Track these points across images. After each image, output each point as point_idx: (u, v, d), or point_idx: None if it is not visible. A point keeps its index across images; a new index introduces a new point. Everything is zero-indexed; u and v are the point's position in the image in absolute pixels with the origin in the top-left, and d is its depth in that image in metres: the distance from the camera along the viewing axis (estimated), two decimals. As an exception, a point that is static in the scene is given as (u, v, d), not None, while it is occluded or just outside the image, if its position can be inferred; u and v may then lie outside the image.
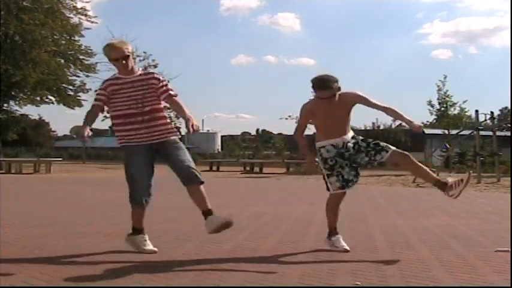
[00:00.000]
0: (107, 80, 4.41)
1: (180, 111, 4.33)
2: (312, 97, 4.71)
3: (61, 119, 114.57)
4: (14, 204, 7.97)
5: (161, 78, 4.42)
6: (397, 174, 18.67)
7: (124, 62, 4.27)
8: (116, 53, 4.27)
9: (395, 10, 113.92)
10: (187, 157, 4.30)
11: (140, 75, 4.36)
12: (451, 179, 4.34)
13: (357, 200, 9.54)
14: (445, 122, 25.78)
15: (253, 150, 42.39)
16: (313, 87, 4.36)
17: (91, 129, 4.28)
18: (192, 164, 4.28)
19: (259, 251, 4.40)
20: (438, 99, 25.83)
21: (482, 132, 16.82)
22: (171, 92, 4.30)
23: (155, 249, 4.29)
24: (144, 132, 4.27)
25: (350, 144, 4.39)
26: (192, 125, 4.08)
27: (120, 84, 4.30)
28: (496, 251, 4.39)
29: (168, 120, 4.43)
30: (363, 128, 33.77)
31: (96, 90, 4.40)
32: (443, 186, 4.26)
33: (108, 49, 4.32)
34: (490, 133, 17.19)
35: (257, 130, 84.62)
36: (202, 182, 4.27)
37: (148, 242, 4.35)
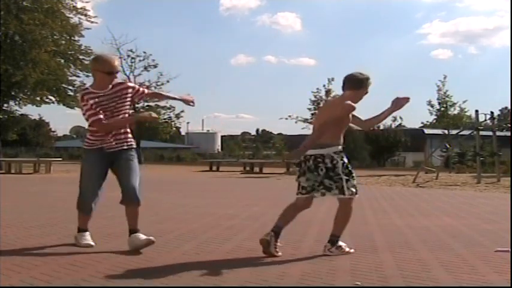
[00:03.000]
0: (85, 94, 4.52)
1: (166, 97, 5.03)
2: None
3: (61, 119, 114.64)
4: (14, 204, 7.97)
5: (132, 84, 4.82)
6: (397, 175, 18.67)
7: (114, 76, 4.53)
8: (115, 68, 4.51)
9: (395, 10, 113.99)
10: (134, 176, 4.52)
11: (112, 87, 4.52)
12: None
13: (357, 200, 9.54)
14: (445, 122, 25.79)
15: (253, 150, 42.40)
16: (368, 83, 4.39)
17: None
18: (137, 185, 4.49)
19: (259, 251, 4.38)
20: (438, 99, 25.84)
21: (482, 132, 16.81)
22: (145, 90, 4.83)
23: (91, 243, 4.51)
24: (108, 140, 4.51)
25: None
26: (192, 101, 4.79)
27: (98, 97, 4.47)
28: (496, 251, 4.39)
29: (129, 131, 4.66)
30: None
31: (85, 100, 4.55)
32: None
33: (109, 61, 4.52)
34: (490, 133, 17.18)
35: (257, 130, 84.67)
36: (139, 204, 4.50)
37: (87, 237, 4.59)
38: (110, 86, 4.51)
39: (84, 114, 4.49)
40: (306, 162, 4.31)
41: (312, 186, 4.29)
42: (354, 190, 4.30)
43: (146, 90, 4.89)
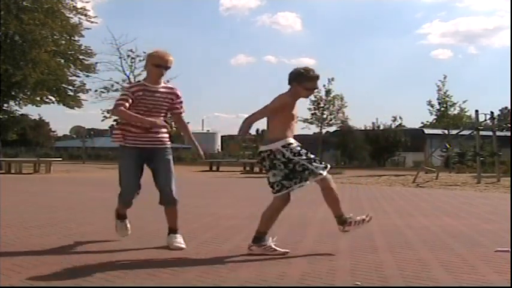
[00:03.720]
0: (134, 85, 4.64)
1: (186, 133, 4.87)
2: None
3: (61, 119, 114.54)
4: (14, 204, 7.97)
5: (180, 94, 4.67)
6: (397, 175, 18.68)
7: (164, 71, 4.53)
8: (163, 61, 4.49)
9: (395, 10, 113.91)
10: (171, 177, 4.54)
11: (163, 87, 4.58)
12: (356, 217, 4.39)
13: (357, 200, 9.54)
14: (445, 122, 25.82)
15: (253, 150, 42.37)
16: (307, 78, 4.32)
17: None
18: (174, 186, 4.54)
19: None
20: (438, 99, 25.88)
21: (482, 132, 16.83)
22: (180, 113, 4.71)
23: (129, 232, 4.75)
24: (143, 137, 4.49)
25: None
26: (201, 154, 4.79)
27: (143, 90, 4.50)
28: (496, 251, 4.39)
29: (166, 131, 4.61)
30: (363, 128, 33.75)
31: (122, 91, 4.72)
32: (340, 221, 4.34)
33: (159, 54, 4.53)
34: (490, 133, 17.19)
35: (257, 130, 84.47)
36: (177, 204, 4.60)
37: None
38: (162, 86, 4.55)
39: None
40: (264, 160, 4.31)
41: (280, 181, 4.28)
42: (323, 166, 4.24)
43: (181, 113, 4.72)
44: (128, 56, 31.64)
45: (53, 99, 25.40)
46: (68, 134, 69.54)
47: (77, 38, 25.05)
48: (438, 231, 5.57)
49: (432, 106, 26.22)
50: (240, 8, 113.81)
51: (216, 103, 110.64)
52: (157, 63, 4.48)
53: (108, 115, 34.13)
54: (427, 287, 3.28)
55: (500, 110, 56.48)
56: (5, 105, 25.20)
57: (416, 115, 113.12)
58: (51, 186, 12.97)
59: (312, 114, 28.71)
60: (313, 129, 30.53)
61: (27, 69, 22.52)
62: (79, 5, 24.56)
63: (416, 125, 47.86)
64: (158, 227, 5.43)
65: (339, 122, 31.22)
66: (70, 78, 25.44)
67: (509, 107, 50.62)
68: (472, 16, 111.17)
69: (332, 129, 32.60)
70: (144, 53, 30.85)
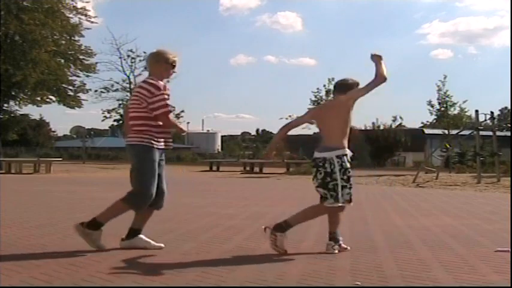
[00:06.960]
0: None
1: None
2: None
3: (61, 119, 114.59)
4: (14, 204, 7.97)
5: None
6: (397, 174, 18.66)
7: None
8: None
9: (395, 10, 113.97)
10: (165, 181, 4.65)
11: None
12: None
13: (357, 200, 9.54)
14: (445, 122, 25.83)
15: (253, 150, 42.40)
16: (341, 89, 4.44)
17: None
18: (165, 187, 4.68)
19: (259, 251, 4.40)
20: (438, 99, 25.89)
21: (482, 132, 16.81)
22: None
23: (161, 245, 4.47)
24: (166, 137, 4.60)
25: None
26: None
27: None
28: (496, 251, 4.39)
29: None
30: (363, 128, 33.74)
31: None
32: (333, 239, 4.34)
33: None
34: (490, 133, 17.18)
35: (257, 130, 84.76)
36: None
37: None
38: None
39: (153, 103, 4.31)
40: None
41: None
42: (348, 198, 4.33)
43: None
44: (128, 56, 31.74)
45: (53, 99, 25.43)
46: (68, 134, 69.59)
47: (77, 38, 25.10)
48: (438, 231, 5.57)
49: (432, 106, 26.25)
50: (240, 8, 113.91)
51: (216, 103, 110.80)
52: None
53: (108, 115, 34.13)
54: (427, 287, 3.28)
55: (500, 110, 56.46)
56: (5, 105, 25.22)
57: (416, 115, 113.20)
58: (51, 186, 12.96)
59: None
60: (313, 129, 30.54)
61: (27, 69, 22.53)
62: (79, 5, 24.63)
63: (416, 125, 47.87)
64: (157, 228, 5.43)
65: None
66: (70, 78, 25.49)
67: (509, 107, 50.60)
68: (472, 16, 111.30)
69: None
70: (145, 53, 30.92)
